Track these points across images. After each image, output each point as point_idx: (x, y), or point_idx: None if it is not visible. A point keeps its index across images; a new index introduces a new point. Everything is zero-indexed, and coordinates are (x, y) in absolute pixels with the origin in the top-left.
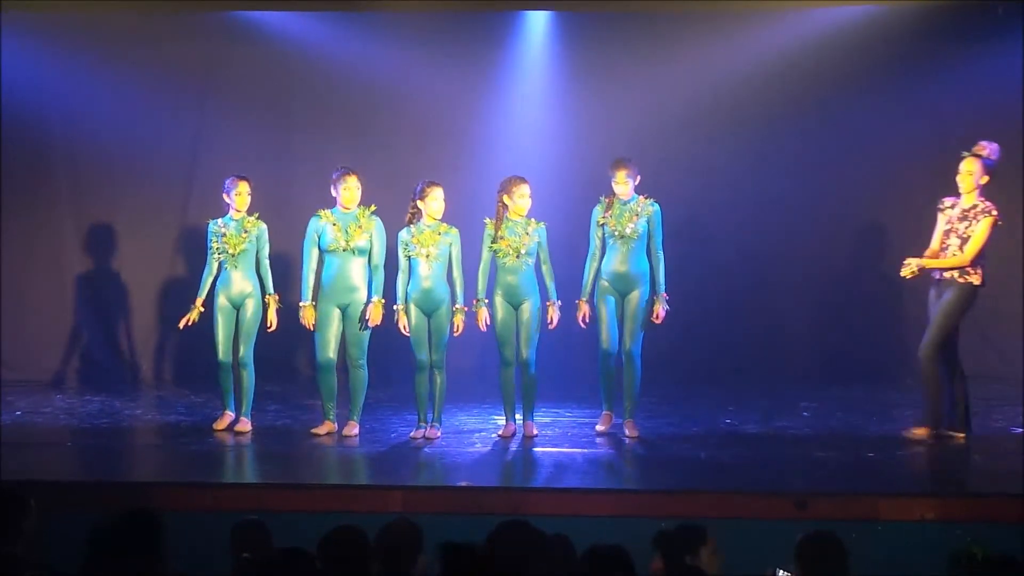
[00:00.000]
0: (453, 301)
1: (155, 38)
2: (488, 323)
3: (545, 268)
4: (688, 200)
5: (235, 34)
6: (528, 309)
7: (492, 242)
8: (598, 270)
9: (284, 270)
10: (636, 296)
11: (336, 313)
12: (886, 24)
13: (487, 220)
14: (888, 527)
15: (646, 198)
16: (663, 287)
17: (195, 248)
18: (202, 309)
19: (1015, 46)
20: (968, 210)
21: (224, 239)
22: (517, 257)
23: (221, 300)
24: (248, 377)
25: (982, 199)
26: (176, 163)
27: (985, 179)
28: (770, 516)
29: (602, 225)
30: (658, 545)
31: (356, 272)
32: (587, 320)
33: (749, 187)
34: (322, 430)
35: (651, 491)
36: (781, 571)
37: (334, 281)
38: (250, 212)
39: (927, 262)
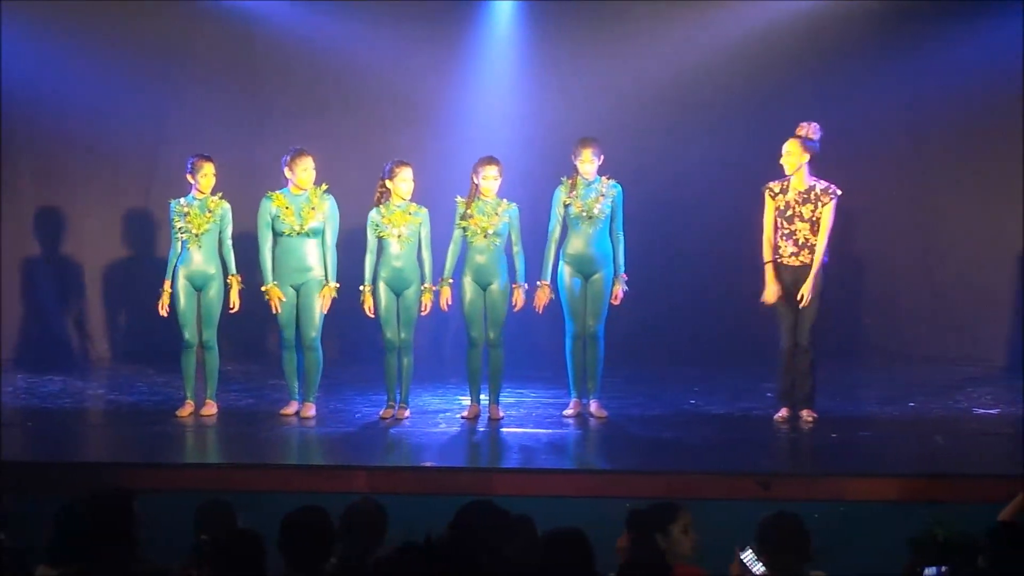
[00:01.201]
0: (422, 280)
1: (120, 17)
2: (451, 303)
3: (516, 250)
4: (652, 182)
5: (201, 13)
6: (496, 290)
7: (461, 219)
8: (559, 252)
9: (251, 251)
10: (600, 278)
11: (292, 293)
12: (866, 7)
13: (458, 198)
14: (852, 507)
15: (608, 179)
16: (623, 268)
17: (161, 228)
18: (171, 291)
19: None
20: (806, 192)
21: (187, 219)
22: (485, 237)
23: (183, 280)
24: (212, 359)
25: (817, 179)
26: (141, 143)
27: (806, 157)
28: (734, 496)
29: (567, 206)
30: (630, 522)
31: (310, 252)
32: (544, 304)
33: (714, 170)
34: (289, 410)
35: (616, 471)
36: (747, 551)
37: (288, 262)
38: (214, 192)
39: (807, 285)
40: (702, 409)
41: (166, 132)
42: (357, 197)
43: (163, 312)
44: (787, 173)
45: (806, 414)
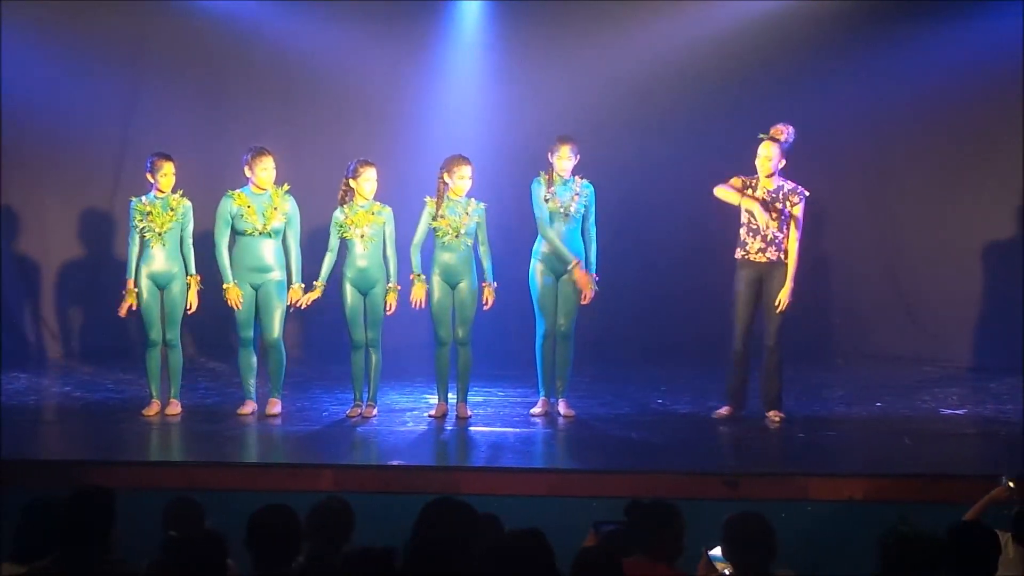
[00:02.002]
0: (388, 280)
1: (83, 13)
2: (424, 302)
3: (483, 249)
4: (621, 181)
5: (166, 11)
6: (465, 289)
7: (432, 220)
8: (532, 249)
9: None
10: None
11: (251, 293)
12: (834, 8)
13: (427, 199)
14: (818, 507)
15: (581, 178)
16: (594, 268)
17: (127, 225)
18: (136, 290)
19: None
20: (775, 192)
21: (150, 218)
22: (456, 236)
23: (146, 280)
24: (176, 358)
25: (784, 180)
26: (107, 140)
27: (782, 162)
28: (701, 496)
29: (545, 201)
30: (629, 512)
31: (268, 252)
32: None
33: (684, 169)
34: (246, 410)
35: (584, 471)
36: (714, 550)
37: (247, 262)
38: (175, 190)
39: (787, 289)
40: (669, 408)
41: (130, 130)
42: (321, 196)
43: (122, 313)
44: (763, 176)
45: (773, 414)
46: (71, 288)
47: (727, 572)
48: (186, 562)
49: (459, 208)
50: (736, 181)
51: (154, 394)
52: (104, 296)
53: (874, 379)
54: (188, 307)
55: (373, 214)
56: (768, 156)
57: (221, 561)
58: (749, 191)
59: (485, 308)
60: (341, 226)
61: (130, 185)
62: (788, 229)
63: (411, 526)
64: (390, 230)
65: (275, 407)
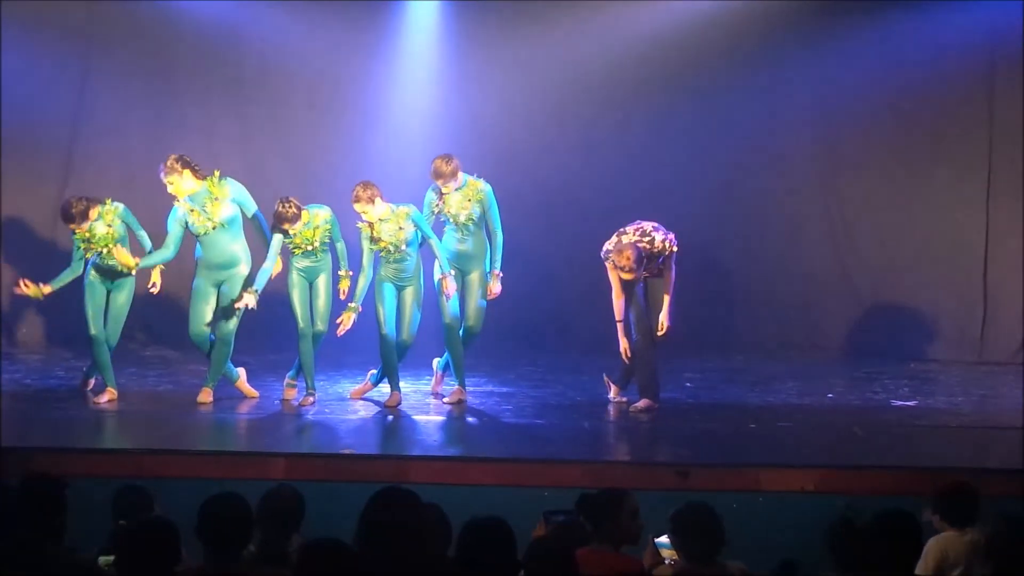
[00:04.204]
0: (337, 267)
1: (35, 4)
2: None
3: (432, 242)
4: (569, 176)
5: (119, 5)
6: (411, 294)
7: (372, 244)
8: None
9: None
10: (477, 275)
11: (212, 291)
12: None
13: (359, 224)
14: (770, 498)
15: (476, 179)
16: (499, 265)
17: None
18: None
19: None
20: (648, 256)
21: (92, 243)
22: (398, 251)
23: (93, 275)
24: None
25: (650, 243)
26: (56, 131)
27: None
28: (652, 487)
29: (436, 213)
30: (580, 506)
31: (230, 246)
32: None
33: (638, 164)
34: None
35: (534, 460)
36: (661, 538)
37: (210, 258)
38: (127, 183)
39: (665, 313)
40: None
41: (79, 123)
42: (276, 190)
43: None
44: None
45: (644, 404)
46: (18, 274)
47: (672, 560)
48: (139, 550)
49: (391, 226)
50: (612, 270)
51: (108, 381)
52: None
53: (825, 371)
54: (150, 285)
55: (315, 227)
56: (629, 272)
57: (175, 548)
58: (624, 271)
59: (447, 299)
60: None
61: (81, 177)
62: (666, 273)
63: (358, 515)
64: (335, 230)
65: (207, 396)
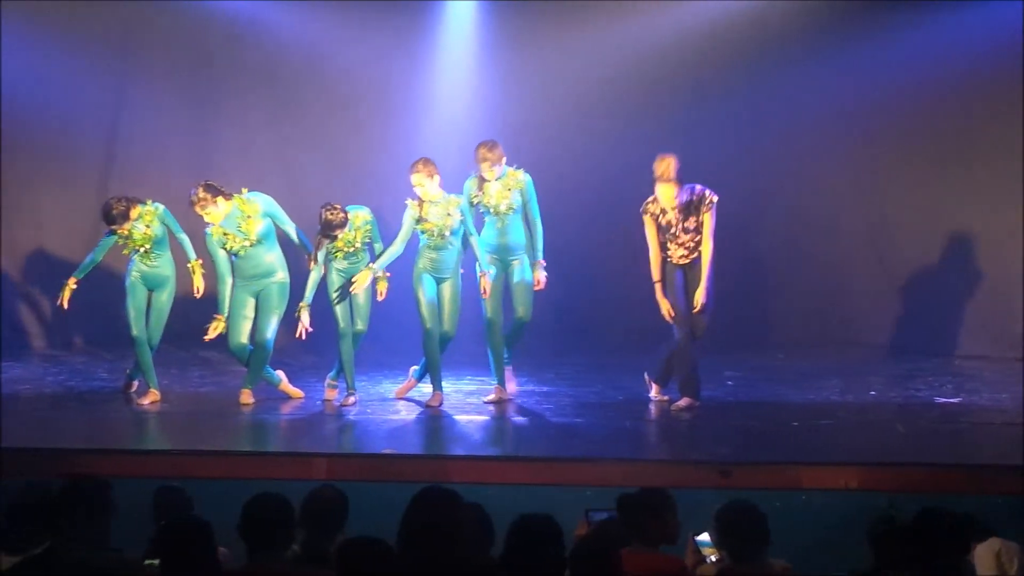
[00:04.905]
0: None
1: (75, 9)
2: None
3: (473, 240)
4: (603, 175)
5: (156, 6)
6: (450, 286)
7: (417, 223)
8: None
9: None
10: (519, 265)
11: (250, 301)
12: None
13: (409, 201)
14: (812, 496)
15: (516, 169)
16: (541, 255)
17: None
18: (74, 287)
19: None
20: (685, 206)
21: (131, 241)
22: (442, 238)
23: (135, 278)
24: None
25: (690, 189)
26: (97, 136)
27: (677, 189)
28: (693, 485)
29: (475, 204)
30: (620, 506)
31: (267, 258)
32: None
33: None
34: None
35: (575, 459)
36: (701, 535)
37: (247, 270)
38: (165, 186)
39: (701, 288)
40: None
41: (119, 126)
42: (312, 193)
43: (63, 302)
44: (669, 207)
45: (686, 402)
46: (63, 280)
47: (713, 558)
48: (175, 551)
49: (440, 210)
50: (650, 223)
51: (151, 383)
52: (97, 287)
53: (866, 368)
54: (196, 291)
55: (355, 228)
56: (670, 194)
57: (210, 549)
58: (662, 215)
59: (484, 297)
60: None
61: (121, 177)
62: (701, 236)
63: (401, 515)
64: (374, 231)
65: (247, 397)
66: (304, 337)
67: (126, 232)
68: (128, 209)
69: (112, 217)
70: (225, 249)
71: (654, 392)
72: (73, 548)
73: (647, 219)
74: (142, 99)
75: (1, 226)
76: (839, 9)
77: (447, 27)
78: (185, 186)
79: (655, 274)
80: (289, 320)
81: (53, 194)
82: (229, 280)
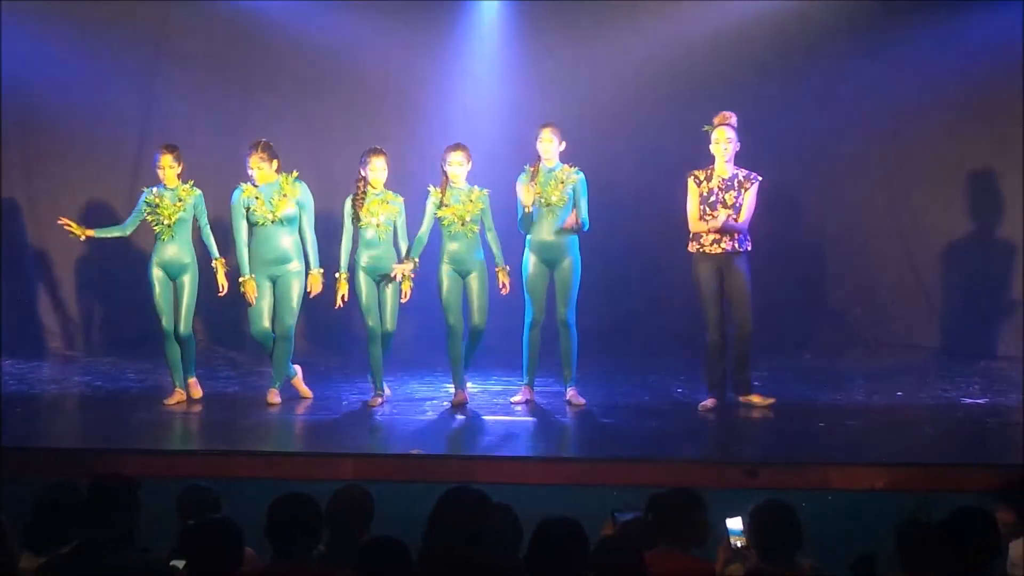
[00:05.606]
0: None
1: (105, 3)
2: (409, 294)
3: (491, 235)
4: (634, 177)
5: (186, 5)
6: (476, 279)
7: (437, 209)
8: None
9: (230, 239)
10: (568, 264)
11: (268, 285)
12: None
13: (431, 187)
14: (839, 496)
15: (570, 166)
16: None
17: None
18: (86, 234)
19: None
20: (730, 180)
21: (159, 209)
22: (462, 225)
23: (156, 271)
24: (190, 348)
25: (739, 168)
26: (126, 131)
27: (736, 146)
28: (721, 485)
29: (531, 205)
30: (651, 506)
31: (285, 242)
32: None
33: (702, 165)
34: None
35: (602, 459)
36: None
37: (263, 253)
38: (188, 180)
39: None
40: (689, 398)
41: (149, 121)
42: (339, 185)
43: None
44: (722, 161)
45: (757, 399)
46: (94, 279)
47: (739, 544)
48: (202, 550)
49: (463, 196)
50: (692, 187)
51: (177, 383)
52: (123, 287)
53: (893, 368)
54: (220, 290)
55: (387, 203)
56: (727, 138)
57: (237, 548)
58: (705, 183)
59: (504, 292)
60: (354, 214)
61: (150, 176)
62: (737, 217)
63: (427, 514)
64: (401, 220)
65: (275, 397)
66: (342, 305)
67: (156, 199)
68: (179, 171)
69: (176, 153)
70: (246, 216)
71: (709, 403)
72: (100, 548)
73: (690, 182)
74: (171, 94)
75: (26, 225)
76: (869, 9)
77: (475, 25)
78: (213, 182)
79: (693, 226)
80: (309, 307)
81: (80, 193)
82: (245, 251)
